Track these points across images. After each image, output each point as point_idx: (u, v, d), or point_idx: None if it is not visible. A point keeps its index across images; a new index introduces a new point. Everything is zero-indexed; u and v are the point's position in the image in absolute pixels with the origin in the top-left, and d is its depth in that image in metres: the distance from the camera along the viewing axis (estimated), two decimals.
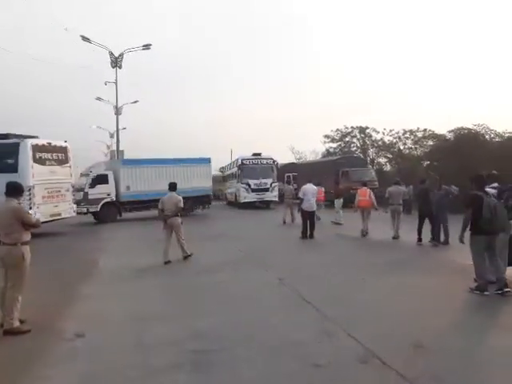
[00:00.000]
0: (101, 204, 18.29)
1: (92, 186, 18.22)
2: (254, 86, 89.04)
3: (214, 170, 29.34)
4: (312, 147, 55.88)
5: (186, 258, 8.79)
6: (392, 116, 59.25)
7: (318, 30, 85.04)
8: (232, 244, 10.96)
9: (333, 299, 5.67)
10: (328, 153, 39.80)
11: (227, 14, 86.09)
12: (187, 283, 6.86)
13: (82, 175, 20.32)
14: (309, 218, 11.77)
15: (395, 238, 11.28)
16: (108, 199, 18.54)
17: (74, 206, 15.69)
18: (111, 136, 46.36)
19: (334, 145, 39.98)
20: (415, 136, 33.79)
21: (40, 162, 13.73)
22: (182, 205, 8.79)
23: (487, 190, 6.29)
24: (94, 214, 18.46)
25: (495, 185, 6.55)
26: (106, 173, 19.00)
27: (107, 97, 34.80)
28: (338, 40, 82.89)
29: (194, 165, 21.55)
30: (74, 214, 15.81)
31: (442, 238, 10.06)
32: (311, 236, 11.75)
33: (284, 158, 44.76)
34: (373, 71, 73.97)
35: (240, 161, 24.91)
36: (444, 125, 61.29)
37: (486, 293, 5.71)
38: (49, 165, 14.17)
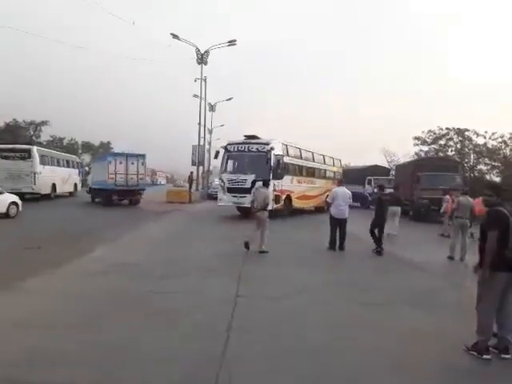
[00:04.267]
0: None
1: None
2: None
3: None
4: (407, 150, 51.22)
5: (261, 252, 9.09)
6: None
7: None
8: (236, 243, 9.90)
9: (265, 333, 4.38)
10: (418, 156, 35.86)
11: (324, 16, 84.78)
12: (139, 288, 6.00)
13: None
14: (339, 226, 10.19)
15: (462, 259, 9.48)
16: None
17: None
18: (210, 132, 48.26)
19: (426, 148, 35.84)
20: None
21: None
22: (268, 201, 9.55)
23: None
24: None
25: None
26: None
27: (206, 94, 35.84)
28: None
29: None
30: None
31: None
32: (341, 247, 10.15)
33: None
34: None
35: (224, 146, 18.28)
36: None
37: (485, 356, 3.89)
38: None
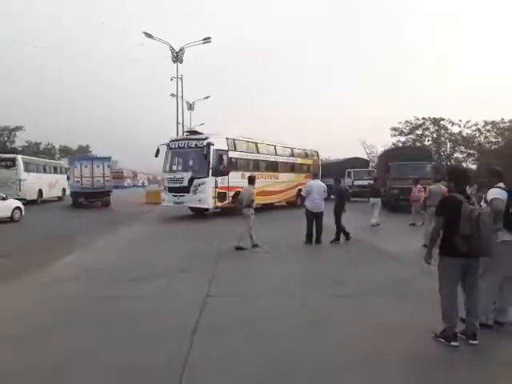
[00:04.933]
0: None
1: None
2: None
3: None
4: (385, 141, 51.86)
5: (237, 248, 9.13)
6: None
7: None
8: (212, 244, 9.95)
9: (235, 332, 4.30)
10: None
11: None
12: (102, 295, 5.77)
13: None
14: (315, 219, 10.17)
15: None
16: None
17: None
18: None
19: (403, 138, 36.23)
20: (498, 128, 29.14)
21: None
22: (253, 198, 9.67)
23: (494, 191, 4.43)
24: None
25: (501, 185, 4.56)
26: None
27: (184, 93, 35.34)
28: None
29: None
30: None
31: None
32: (318, 241, 10.15)
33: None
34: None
35: (167, 143, 17.31)
36: None
37: (453, 343, 3.89)
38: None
